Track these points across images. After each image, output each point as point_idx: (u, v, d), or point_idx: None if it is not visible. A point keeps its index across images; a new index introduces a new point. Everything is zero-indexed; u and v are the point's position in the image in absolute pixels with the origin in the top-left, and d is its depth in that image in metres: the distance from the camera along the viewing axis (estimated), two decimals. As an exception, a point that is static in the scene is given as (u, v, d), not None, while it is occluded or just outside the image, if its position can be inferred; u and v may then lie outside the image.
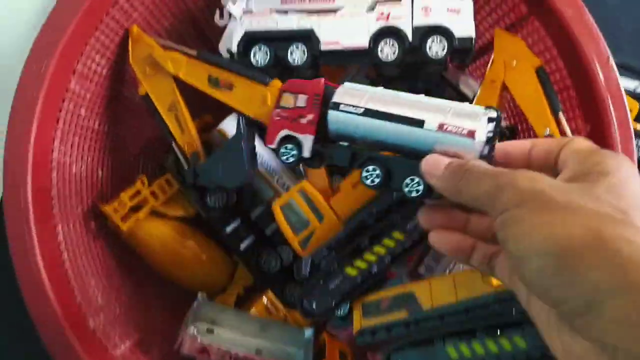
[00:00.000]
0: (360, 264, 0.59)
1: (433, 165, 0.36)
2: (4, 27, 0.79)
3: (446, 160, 0.36)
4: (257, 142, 0.70)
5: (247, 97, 0.60)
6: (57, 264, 0.58)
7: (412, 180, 0.40)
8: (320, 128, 0.46)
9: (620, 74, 0.55)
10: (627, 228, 0.27)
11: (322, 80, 0.47)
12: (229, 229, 0.68)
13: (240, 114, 0.67)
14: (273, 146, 0.48)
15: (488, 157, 0.38)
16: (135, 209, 0.65)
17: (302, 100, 0.47)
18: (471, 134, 0.37)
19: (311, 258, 0.60)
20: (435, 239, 0.39)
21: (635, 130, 0.56)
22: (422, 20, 0.58)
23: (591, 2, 0.58)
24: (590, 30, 0.56)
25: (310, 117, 0.46)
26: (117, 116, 0.67)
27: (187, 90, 0.61)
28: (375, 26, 0.60)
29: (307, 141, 0.46)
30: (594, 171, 0.32)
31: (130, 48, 0.61)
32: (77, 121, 0.61)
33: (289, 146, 0.47)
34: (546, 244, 0.28)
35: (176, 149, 0.64)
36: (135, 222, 0.65)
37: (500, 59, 0.60)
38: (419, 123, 0.39)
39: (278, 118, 0.48)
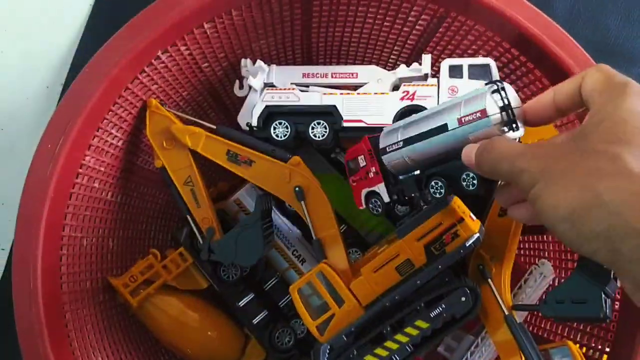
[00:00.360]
0: (381, 352, 0.56)
1: (467, 156, 0.40)
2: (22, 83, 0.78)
3: (475, 147, 0.39)
4: (274, 213, 0.68)
5: (266, 174, 0.58)
6: (64, 345, 0.55)
7: (468, 175, 0.44)
8: (386, 173, 0.52)
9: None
10: (616, 177, 0.30)
11: (366, 137, 0.53)
12: (241, 303, 0.66)
13: (259, 189, 0.66)
14: (363, 207, 0.55)
15: (510, 122, 0.40)
16: (146, 282, 0.63)
17: (362, 160, 0.54)
18: (484, 113, 0.40)
19: (330, 344, 0.57)
20: (512, 213, 0.42)
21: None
22: (448, 100, 0.57)
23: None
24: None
25: (373, 169, 0.53)
26: (130, 186, 0.65)
27: (204, 157, 0.60)
28: (399, 105, 0.58)
29: (382, 189, 0.52)
30: (600, 113, 0.33)
31: (147, 121, 0.59)
32: (90, 194, 0.59)
33: (373, 200, 0.53)
34: (559, 212, 0.31)
35: (192, 223, 0.62)
36: (145, 297, 0.62)
37: (529, 139, 0.58)
38: (444, 127, 0.43)
39: (355, 183, 0.55)
